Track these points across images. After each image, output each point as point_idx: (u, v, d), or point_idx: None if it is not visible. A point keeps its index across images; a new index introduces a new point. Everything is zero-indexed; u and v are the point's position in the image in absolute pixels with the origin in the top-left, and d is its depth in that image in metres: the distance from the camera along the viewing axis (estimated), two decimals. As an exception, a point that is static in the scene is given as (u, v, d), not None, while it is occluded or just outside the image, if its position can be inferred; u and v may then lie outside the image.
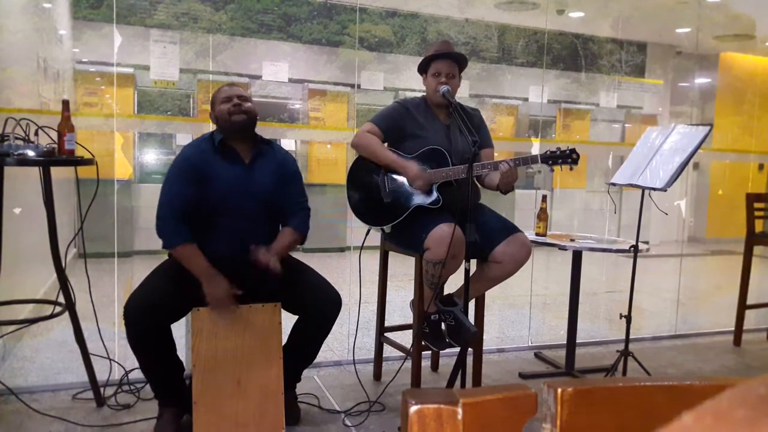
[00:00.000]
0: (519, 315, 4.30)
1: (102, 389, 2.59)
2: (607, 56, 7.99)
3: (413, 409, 0.51)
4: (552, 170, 2.58)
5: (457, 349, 2.47)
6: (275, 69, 4.17)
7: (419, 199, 2.58)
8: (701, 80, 8.69)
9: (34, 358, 3.09)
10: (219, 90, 2.49)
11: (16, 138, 2.37)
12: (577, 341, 3.20)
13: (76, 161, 2.45)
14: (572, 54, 8.00)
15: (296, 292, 2.38)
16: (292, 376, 2.47)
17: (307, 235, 2.50)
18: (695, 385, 0.59)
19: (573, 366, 3.18)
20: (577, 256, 3.12)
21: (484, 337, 2.77)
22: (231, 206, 2.34)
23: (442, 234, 2.38)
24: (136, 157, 6.53)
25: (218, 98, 2.44)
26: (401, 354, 2.85)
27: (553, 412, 0.56)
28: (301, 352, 2.45)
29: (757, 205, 3.79)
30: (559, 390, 0.56)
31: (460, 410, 0.52)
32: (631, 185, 2.85)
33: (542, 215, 3.16)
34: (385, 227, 2.66)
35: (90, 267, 2.61)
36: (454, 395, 0.53)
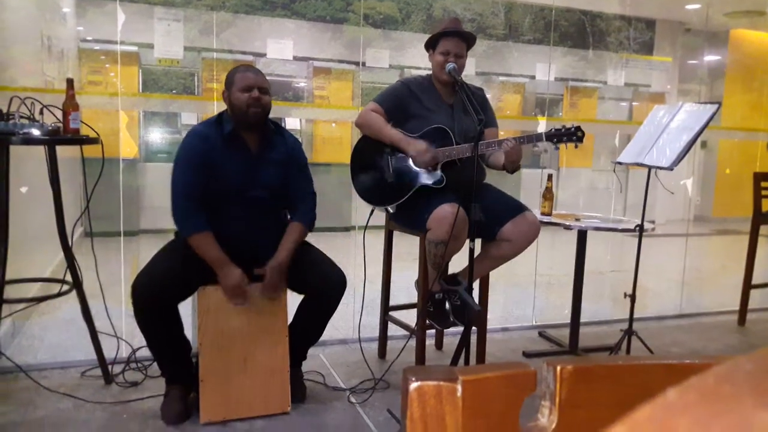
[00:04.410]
0: (523, 294, 4.31)
1: (110, 367, 2.63)
2: (615, 33, 7.89)
3: (413, 386, 0.52)
4: (557, 148, 2.57)
5: (462, 328, 2.49)
6: (279, 47, 4.14)
7: (423, 179, 2.57)
8: (710, 58, 8.58)
9: (42, 336, 3.13)
10: (239, 71, 2.37)
11: (21, 117, 2.37)
12: (581, 320, 3.21)
13: (81, 140, 2.46)
14: (580, 31, 7.90)
15: (301, 272, 2.39)
16: (297, 355, 2.49)
17: (313, 224, 2.50)
18: (695, 363, 0.59)
19: (577, 345, 3.19)
20: (582, 236, 3.11)
21: (488, 316, 2.78)
22: (237, 193, 2.34)
23: (444, 214, 2.38)
24: (141, 135, 6.53)
25: (237, 82, 2.33)
26: (406, 332, 2.87)
27: (552, 389, 0.56)
28: (306, 331, 2.47)
29: (764, 184, 3.76)
30: (559, 368, 0.56)
31: (459, 387, 0.53)
32: (638, 164, 2.83)
33: (548, 194, 3.15)
34: (389, 207, 2.66)
35: (96, 246, 2.63)
36: (454, 372, 0.54)
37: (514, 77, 7.87)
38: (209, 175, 2.30)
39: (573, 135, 2.52)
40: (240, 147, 2.36)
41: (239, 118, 2.33)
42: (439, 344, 3.22)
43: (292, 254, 2.36)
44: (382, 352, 3.05)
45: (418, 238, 2.61)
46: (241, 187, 2.34)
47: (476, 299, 2.61)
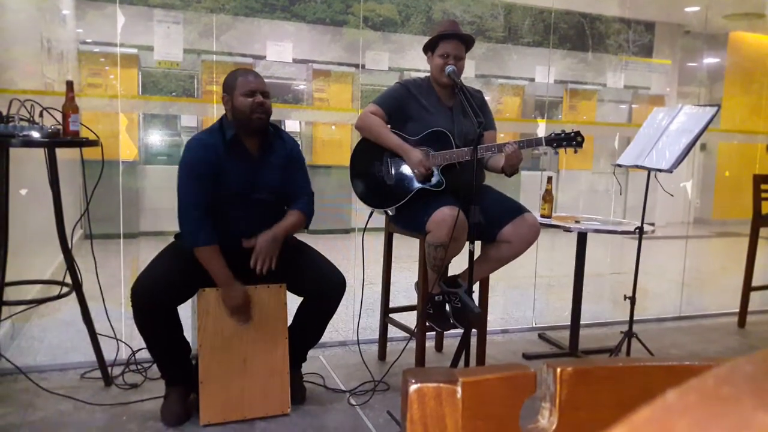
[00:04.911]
0: (523, 296, 4.31)
1: (109, 369, 2.63)
2: (614, 36, 7.90)
3: (413, 387, 0.52)
4: (557, 153, 2.57)
5: (461, 330, 2.49)
6: (279, 49, 4.14)
7: (422, 181, 2.57)
8: (710, 60, 8.59)
9: (42, 337, 3.13)
10: (239, 75, 2.36)
11: (21, 119, 2.37)
12: (581, 322, 3.21)
13: (80, 142, 2.46)
14: (579, 33, 7.91)
15: (300, 274, 2.39)
16: (297, 356, 2.50)
17: (311, 218, 2.50)
18: (695, 365, 0.59)
19: (577, 347, 3.19)
20: (582, 238, 3.11)
21: (488, 318, 2.78)
22: (240, 197, 2.34)
23: (443, 217, 2.38)
24: (140, 138, 6.53)
25: (240, 86, 2.31)
26: (405, 335, 2.87)
27: (552, 391, 0.57)
28: (305, 332, 2.47)
29: (764, 186, 3.77)
30: (559, 369, 0.56)
31: (459, 389, 0.53)
32: (637, 166, 2.84)
33: (547, 197, 3.15)
34: (388, 210, 2.66)
35: (96, 248, 2.63)
36: (454, 374, 0.54)
37: (513, 80, 7.88)
38: (213, 182, 2.30)
39: (573, 140, 2.52)
40: (242, 152, 2.36)
41: (242, 123, 2.33)
42: (438, 346, 3.22)
43: (287, 232, 2.36)
44: (381, 354, 3.05)
45: (417, 240, 2.61)
46: (243, 190, 2.35)
47: (476, 301, 2.61)
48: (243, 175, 2.34)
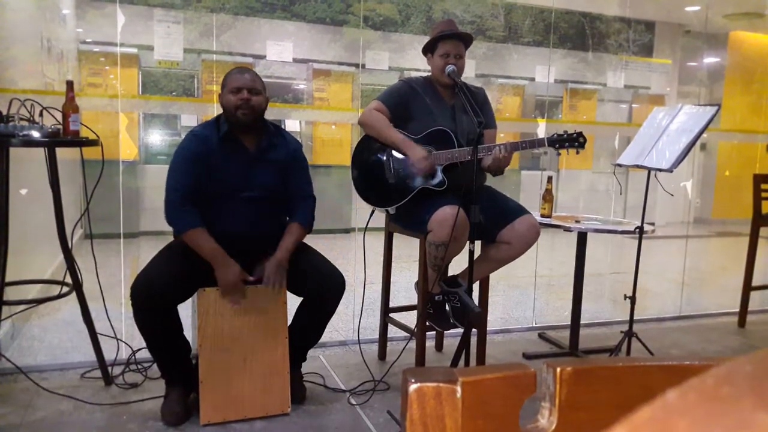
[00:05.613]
0: (523, 296, 4.31)
1: (110, 368, 2.63)
2: (614, 35, 7.90)
3: (413, 387, 0.52)
4: (558, 154, 2.57)
5: (461, 330, 2.49)
6: (279, 49, 4.14)
7: (424, 180, 2.57)
8: (710, 60, 8.58)
9: (42, 337, 3.13)
10: (231, 73, 2.39)
11: (21, 119, 2.37)
12: (581, 322, 3.21)
13: (81, 142, 2.46)
14: (579, 33, 7.91)
15: (300, 274, 2.39)
16: (297, 356, 2.49)
17: (312, 226, 2.50)
18: (695, 365, 0.59)
19: (577, 346, 3.19)
20: (582, 238, 3.11)
21: (488, 318, 2.78)
22: (235, 194, 2.34)
23: (444, 216, 2.38)
24: (140, 137, 6.53)
25: (228, 84, 2.35)
26: (405, 334, 2.87)
27: (552, 390, 0.57)
28: (305, 332, 2.47)
29: (764, 186, 3.76)
30: (558, 369, 0.56)
31: (459, 389, 0.53)
32: (638, 166, 2.84)
33: (547, 196, 3.15)
34: (389, 208, 2.66)
35: (96, 247, 2.63)
36: (454, 374, 0.54)
37: (513, 79, 7.87)
38: (207, 176, 2.30)
39: (575, 141, 2.52)
40: (237, 148, 2.37)
41: (230, 120, 2.35)
42: (439, 346, 3.22)
43: (290, 253, 2.37)
44: (382, 354, 3.05)
45: (417, 240, 2.61)
46: (238, 186, 2.35)
47: (476, 301, 2.61)
48: (238, 171, 2.35)
